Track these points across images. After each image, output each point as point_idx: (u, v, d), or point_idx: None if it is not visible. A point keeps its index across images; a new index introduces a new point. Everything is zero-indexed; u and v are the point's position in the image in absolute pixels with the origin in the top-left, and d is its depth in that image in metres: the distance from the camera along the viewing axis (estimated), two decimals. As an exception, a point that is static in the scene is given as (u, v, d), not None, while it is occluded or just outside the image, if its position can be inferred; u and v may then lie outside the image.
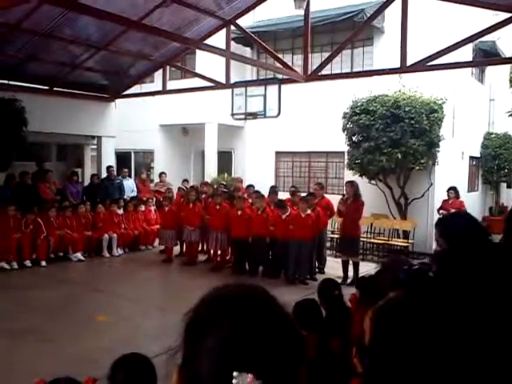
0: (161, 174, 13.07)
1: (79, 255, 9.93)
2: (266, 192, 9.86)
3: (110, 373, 2.10)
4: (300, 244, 8.42)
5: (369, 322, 0.89)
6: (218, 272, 9.15)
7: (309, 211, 8.52)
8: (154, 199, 12.13)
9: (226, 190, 10.70)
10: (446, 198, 10.35)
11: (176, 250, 10.61)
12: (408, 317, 0.80)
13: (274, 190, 10.02)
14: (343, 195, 8.78)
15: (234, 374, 0.66)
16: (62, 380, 1.96)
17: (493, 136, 14.96)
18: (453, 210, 9.38)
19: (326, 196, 9.86)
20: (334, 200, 9.76)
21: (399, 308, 0.83)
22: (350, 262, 8.59)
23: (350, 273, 8.46)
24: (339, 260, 8.95)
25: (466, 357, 0.74)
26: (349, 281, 8.16)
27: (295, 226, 8.42)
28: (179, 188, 11.21)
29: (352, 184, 8.62)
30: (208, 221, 9.75)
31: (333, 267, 9.17)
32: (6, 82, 10.36)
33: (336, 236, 11.29)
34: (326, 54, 10.92)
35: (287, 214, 8.67)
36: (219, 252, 9.75)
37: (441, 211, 10.09)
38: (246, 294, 0.77)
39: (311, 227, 8.52)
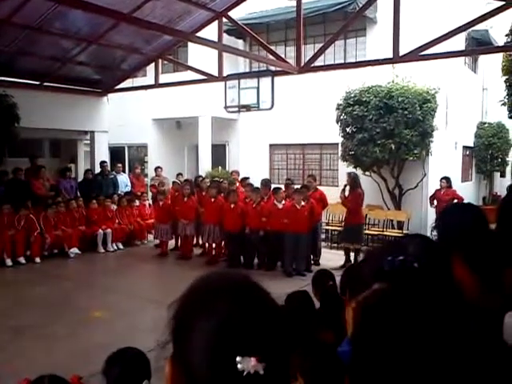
0: (156, 169, 13.02)
1: (76, 250, 9.92)
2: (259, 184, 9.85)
3: (104, 368, 2.10)
4: (297, 236, 8.44)
5: (352, 313, 0.89)
6: (213, 265, 9.15)
7: (303, 203, 8.55)
8: (150, 194, 12.10)
9: (220, 182, 10.66)
10: (439, 187, 10.39)
11: (171, 244, 10.60)
12: (392, 309, 0.80)
13: (266, 183, 10.00)
14: (345, 185, 9.14)
15: (238, 358, 0.66)
16: (45, 378, 1.96)
17: (486, 125, 15.00)
18: (452, 199, 9.46)
19: (320, 188, 9.89)
20: (328, 192, 9.80)
21: (383, 300, 0.83)
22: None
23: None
24: (334, 251, 9.19)
25: (449, 347, 0.74)
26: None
27: (291, 219, 8.42)
28: (173, 182, 11.18)
29: (349, 175, 9.20)
30: (202, 214, 9.74)
31: (328, 259, 9.22)
32: (-4, 77, 10.28)
33: (330, 228, 11.42)
34: (318, 46, 10.86)
35: (283, 202, 8.68)
36: (214, 245, 9.76)
37: (434, 201, 10.14)
38: (234, 280, 0.78)
39: (307, 219, 8.57)
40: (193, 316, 0.73)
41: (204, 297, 0.75)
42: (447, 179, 10.29)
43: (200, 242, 10.40)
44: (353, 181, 9.02)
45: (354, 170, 10.50)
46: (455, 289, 0.87)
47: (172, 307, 0.78)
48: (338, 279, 3.57)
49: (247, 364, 0.66)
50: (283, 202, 8.75)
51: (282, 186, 9.98)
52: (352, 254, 8.99)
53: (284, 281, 7.78)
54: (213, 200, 9.48)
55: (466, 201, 9.38)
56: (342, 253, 10.20)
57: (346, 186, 9.15)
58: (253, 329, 0.69)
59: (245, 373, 0.66)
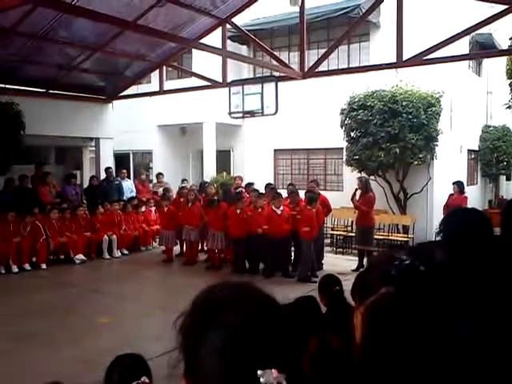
0: (158, 175, 13.08)
1: (82, 256, 9.94)
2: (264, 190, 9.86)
3: (104, 378, 2.09)
4: (312, 242, 8.50)
5: (360, 318, 0.88)
6: (218, 271, 9.15)
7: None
8: (154, 200, 12.11)
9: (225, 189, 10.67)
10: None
11: (177, 249, 10.61)
12: (399, 313, 0.80)
13: (270, 188, 10.01)
14: (356, 189, 9.27)
15: (259, 372, 0.64)
16: None
17: (491, 129, 14.94)
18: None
19: (325, 193, 9.91)
20: (333, 197, 9.81)
21: (390, 304, 0.83)
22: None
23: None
24: (339, 256, 9.20)
25: (455, 351, 0.74)
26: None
27: (312, 227, 8.40)
28: (182, 187, 11.18)
29: (361, 180, 9.40)
30: (207, 220, 9.74)
31: (332, 263, 9.20)
32: (2, 85, 10.34)
33: (336, 232, 11.40)
34: (322, 51, 10.89)
35: (281, 209, 8.70)
36: (218, 251, 9.74)
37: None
38: (238, 292, 0.76)
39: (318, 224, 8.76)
40: (201, 332, 0.71)
41: (212, 309, 0.72)
42: (458, 184, 10.00)
43: (205, 247, 10.41)
44: (364, 185, 9.19)
45: (363, 175, 10.49)
46: (479, 293, 0.87)
47: (178, 321, 0.75)
48: (345, 284, 3.57)
49: (269, 377, 0.64)
50: (281, 207, 8.75)
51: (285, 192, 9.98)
52: (365, 258, 9.04)
53: (289, 286, 7.76)
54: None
55: (471, 205, 9.32)
56: (347, 258, 10.22)
57: (356, 190, 9.22)
58: (267, 339, 0.68)
59: None
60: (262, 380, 0.64)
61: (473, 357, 0.73)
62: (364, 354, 0.84)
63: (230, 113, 9.92)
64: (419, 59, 8.21)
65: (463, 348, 0.74)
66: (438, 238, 1.97)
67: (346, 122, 11.04)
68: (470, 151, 14.02)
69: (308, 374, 1.72)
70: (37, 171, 11.19)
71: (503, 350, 0.77)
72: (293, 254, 9.08)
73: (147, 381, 2.00)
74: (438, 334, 0.76)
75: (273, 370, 0.65)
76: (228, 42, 10.64)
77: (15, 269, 9.05)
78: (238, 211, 9.04)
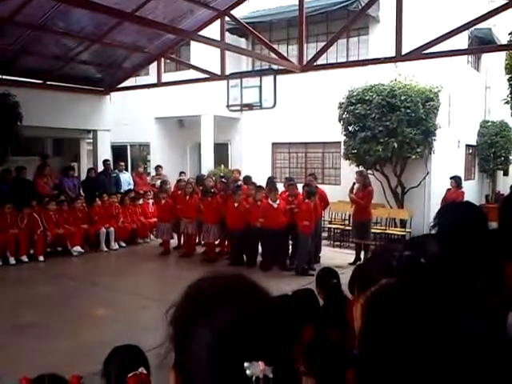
0: (157, 168, 13.06)
1: (79, 248, 9.94)
2: (262, 183, 9.84)
3: (102, 370, 2.09)
4: (309, 235, 8.53)
5: (360, 309, 0.89)
6: (216, 264, 9.16)
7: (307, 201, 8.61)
8: (152, 192, 12.10)
9: (224, 181, 10.64)
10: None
11: (174, 242, 10.61)
12: (399, 303, 0.80)
13: (272, 181, 10.01)
14: (353, 183, 9.25)
15: (246, 364, 0.64)
16: (46, 377, 1.96)
17: (489, 124, 14.95)
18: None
19: (323, 186, 9.92)
20: (331, 190, 9.82)
21: (391, 294, 0.83)
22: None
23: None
24: (336, 249, 9.22)
25: (454, 343, 0.74)
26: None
27: (309, 220, 8.42)
28: (179, 180, 11.17)
29: (361, 173, 9.43)
30: (203, 213, 9.75)
31: (329, 257, 9.22)
32: (-1, 76, 10.30)
33: (333, 226, 11.42)
34: (321, 44, 10.86)
35: (278, 202, 8.72)
36: (216, 243, 9.75)
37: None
38: (230, 285, 0.75)
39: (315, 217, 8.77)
40: (191, 324, 0.71)
41: (202, 302, 0.72)
42: (456, 179, 10.01)
43: (202, 241, 10.42)
44: (364, 179, 9.20)
45: (354, 169, 10.50)
46: (471, 287, 0.87)
47: (169, 314, 0.75)
48: (342, 277, 3.59)
49: (255, 369, 0.64)
50: (277, 201, 8.76)
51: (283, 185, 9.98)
52: (362, 251, 9.08)
53: (286, 279, 7.79)
54: (210, 199, 9.49)
55: (468, 200, 9.33)
56: (344, 251, 10.26)
57: (354, 183, 9.23)
58: (254, 332, 0.68)
59: (254, 378, 0.64)
60: (247, 372, 0.64)
61: (473, 348, 0.74)
62: (364, 344, 0.84)
63: (228, 105, 9.89)
64: (418, 53, 8.19)
65: (466, 340, 0.74)
66: (433, 232, 1.98)
67: (344, 115, 11.03)
68: (467, 146, 14.04)
69: (304, 365, 1.73)
70: (41, 163, 11.13)
71: (500, 342, 0.77)
72: (290, 247, 9.11)
73: (145, 372, 2.01)
74: (438, 325, 0.76)
75: (259, 363, 0.65)
76: (226, 34, 10.60)
77: (12, 260, 9.04)
78: (236, 204, 9.05)
